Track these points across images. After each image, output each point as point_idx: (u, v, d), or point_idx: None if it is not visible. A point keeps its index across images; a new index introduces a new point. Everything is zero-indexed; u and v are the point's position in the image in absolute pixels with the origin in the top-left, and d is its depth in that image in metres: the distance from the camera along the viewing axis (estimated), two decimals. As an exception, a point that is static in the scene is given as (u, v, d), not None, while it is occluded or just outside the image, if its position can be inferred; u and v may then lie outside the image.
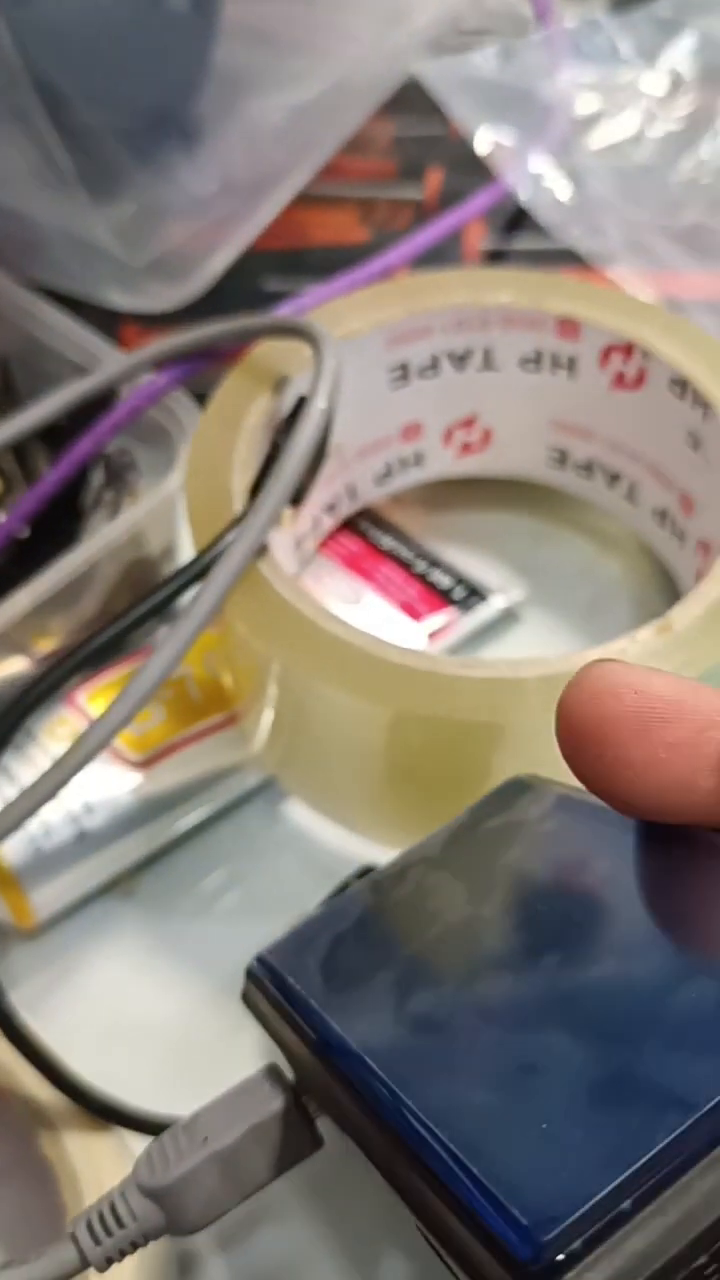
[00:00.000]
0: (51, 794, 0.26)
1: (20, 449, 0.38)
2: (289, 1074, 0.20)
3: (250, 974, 0.21)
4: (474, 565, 0.38)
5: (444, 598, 0.37)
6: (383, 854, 0.32)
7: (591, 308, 0.33)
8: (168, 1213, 0.19)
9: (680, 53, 0.40)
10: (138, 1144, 0.28)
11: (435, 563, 0.38)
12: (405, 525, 0.40)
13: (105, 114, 0.40)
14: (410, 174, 0.45)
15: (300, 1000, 0.19)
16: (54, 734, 0.33)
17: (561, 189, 0.38)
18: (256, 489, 0.29)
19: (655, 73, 0.40)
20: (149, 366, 0.33)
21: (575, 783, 0.18)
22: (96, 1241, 0.19)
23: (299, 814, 0.35)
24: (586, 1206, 0.12)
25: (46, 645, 0.35)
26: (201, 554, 0.28)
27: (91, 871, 0.33)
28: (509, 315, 0.34)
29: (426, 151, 0.46)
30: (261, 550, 0.28)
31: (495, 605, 0.37)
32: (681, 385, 0.32)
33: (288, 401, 0.31)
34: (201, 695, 0.35)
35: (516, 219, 0.42)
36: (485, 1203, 0.13)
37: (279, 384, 0.32)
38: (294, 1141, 0.19)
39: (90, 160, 0.38)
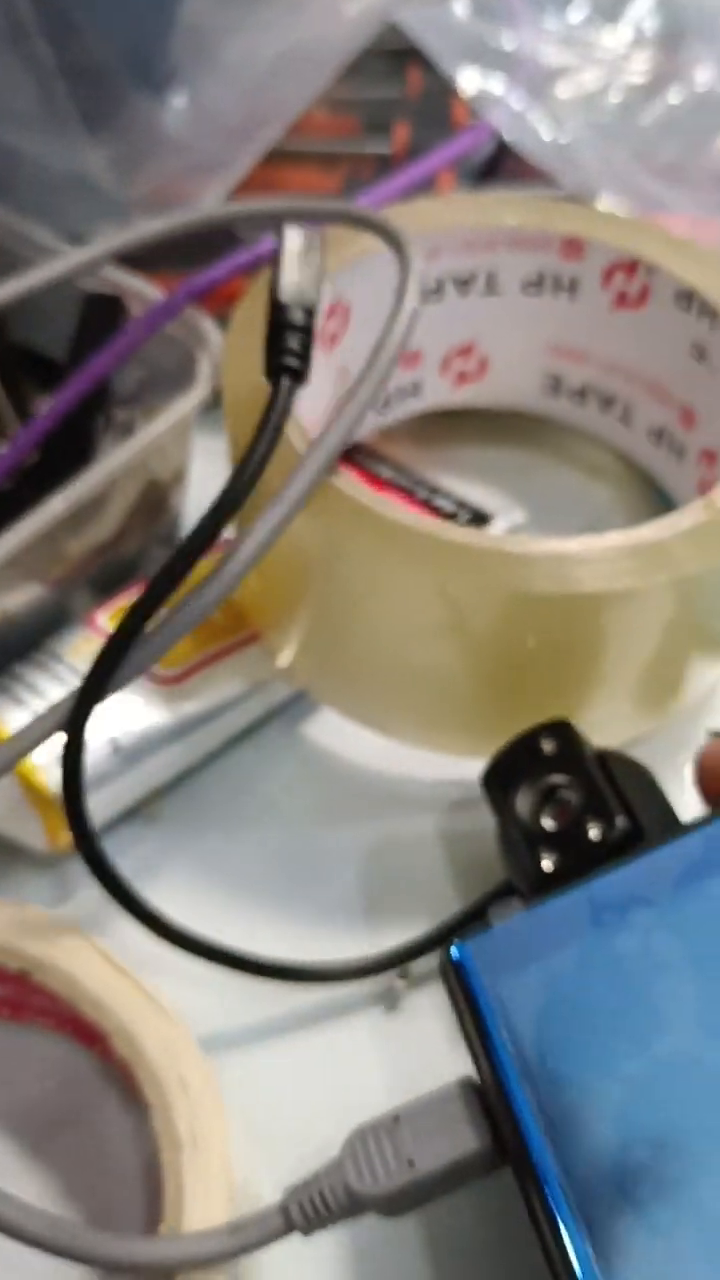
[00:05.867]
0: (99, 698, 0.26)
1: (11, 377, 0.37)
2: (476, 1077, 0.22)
3: (450, 959, 0.23)
4: (471, 492, 0.39)
5: (450, 521, 0.38)
6: (414, 760, 0.33)
7: (596, 227, 0.35)
8: (374, 1209, 0.22)
9: (639, 11, 0.43)
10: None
11: (435, 489, 0.39)
12: (398, 459, 0.40)
13: (80, 54, 0.40)
14: (375, 130, 0.47)
15: (495, 1019, 0.21)
16: (79, 652, 0.33)
17: (544, 128, 0.40)
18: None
19: (615, 31, 0.42)
20: (109, 260, 0.34)
21: None
22: (307, 1219, 0.22)
23: (319, 732, 0.35)
24: None
25: (60, 570, 0.34)
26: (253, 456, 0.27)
27: (125, 790, 0.32)
28: (516, 237, 0.35)
29: (389, 109, 0.47)
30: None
31: (501, 526, 0.37)
32: (688, 297, 0.34)
33: (325, 301, 0.31)
34: (221, 616, 0.34)
35: (487, 169, 0.43)
36: None
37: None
38: (487, 1167, 0.22)
39: (79, 97, 0.38)
